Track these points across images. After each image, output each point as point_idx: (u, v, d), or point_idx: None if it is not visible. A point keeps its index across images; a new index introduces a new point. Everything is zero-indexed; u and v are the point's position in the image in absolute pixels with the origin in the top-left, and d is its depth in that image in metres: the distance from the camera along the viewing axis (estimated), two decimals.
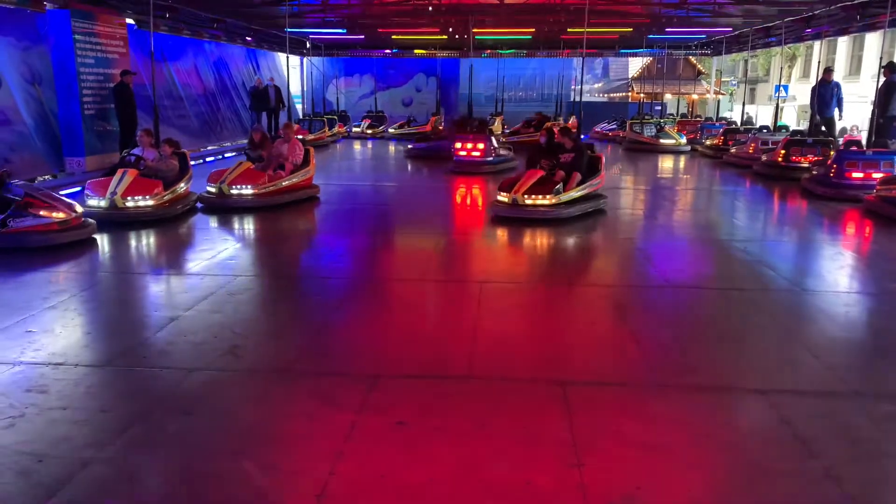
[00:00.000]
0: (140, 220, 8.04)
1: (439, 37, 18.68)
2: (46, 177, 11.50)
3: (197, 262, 6.55)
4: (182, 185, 8.90)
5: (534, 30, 18.96)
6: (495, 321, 4.98)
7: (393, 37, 22.99)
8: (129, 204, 8.05)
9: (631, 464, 3.01)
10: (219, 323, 4.80)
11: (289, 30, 14.87)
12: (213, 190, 9.21)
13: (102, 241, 7.30)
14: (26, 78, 11.90)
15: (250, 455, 3.05)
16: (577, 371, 4.02)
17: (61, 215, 6.91)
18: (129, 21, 14.29)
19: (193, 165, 14.24)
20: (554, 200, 8.31)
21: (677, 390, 3.76)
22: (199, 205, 9.16)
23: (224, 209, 9.02)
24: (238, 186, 9.09)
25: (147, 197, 8.16)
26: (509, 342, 4.57)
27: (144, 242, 7.57)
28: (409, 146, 16.87)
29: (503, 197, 8.47)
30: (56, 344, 4.35)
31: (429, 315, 5.39)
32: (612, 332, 4.81)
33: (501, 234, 8.08)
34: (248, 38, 20.68)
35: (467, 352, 4.32)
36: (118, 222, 7.90)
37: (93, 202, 8.02)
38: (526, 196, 8.29)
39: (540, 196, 8.28)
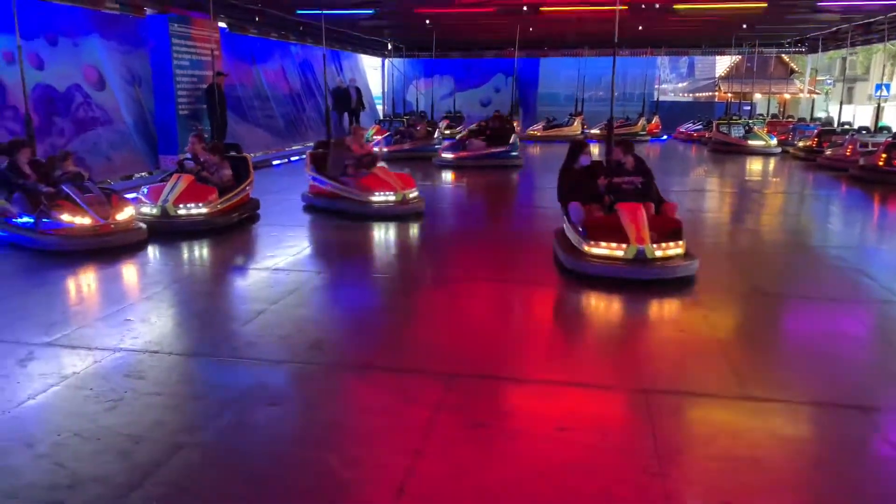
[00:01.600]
0: (194, 229, 7.63)
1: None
2: (143, 174, 12.14)
3: (280, 258, 6.75)
4: (240, 191, 8.38)
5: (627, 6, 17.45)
6: (575, 325, 4.92)
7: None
8: (182, 212, 7.68)
9: (717, 477, 2.91)
10: (303, 317, 4.94)
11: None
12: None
13: (175, 241, 7.54)
14: (127, 80, 12.61)
15: (333, 447, 3.13)
16: (661, 380, 3.92)
17: (87, 221, 6.75)
18: (222, 25, 14.91)
19: (277, 165, 14.90)
20: (681, 248, 5.90)
21: (767, 403, 3.61)
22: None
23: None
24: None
25: (200, 204, 7.75)
26: (590, 347, 4.51)
27: (215, 243, 7.84)
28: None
29: (612, 249, 5.77)
30: (152, 333, 4.58)
31: (505, 316, 5.38)
32: (699, 341, 4.66)
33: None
34: (332, 40, 21.17)
35: (546, 355, 4.28)
36: (170, 231, 7.52)
37: (146, 209, 7.71)
38: (656, 246, 5.75)
39: (672, 244, 5.83)
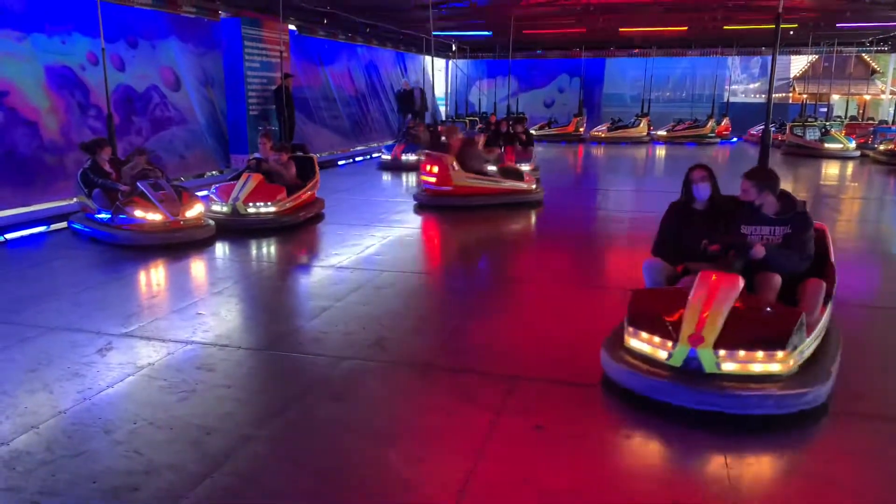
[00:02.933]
0: (262, 228, 7.85)
1: (576, 30, 18.04)
2: (214, 172, 12.54)
3: (345, 256, 6.85)
4: (307, 191, 8.60)
5: (686, 28, 17.99)
6: None
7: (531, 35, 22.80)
8: (251, 210, 7.92)
9: (790, 492, 2.81)
10: (366, 315, 5.00)
11: (435, 33, 15.18)
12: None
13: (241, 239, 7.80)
14: (200, 81, 13.05)
15: (395, 445, 3.15)
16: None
17: (158, 217, 7.07)
18: (291, 27, 15.26)
19: (342, 165, 15.14)
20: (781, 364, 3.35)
21: (847, 418, 3.46)
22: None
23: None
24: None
25: (269, 203, 7.97)
26: None
27: (282, 241, 8.02)
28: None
29: (654, 347, 3.55)
30: (222, 326, 4.73)
31: (567, 320, 5.31)
32: None
33: None
34: (398, 43, 21.42)
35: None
36: (239, 229, 7.74)
37: (216, 207, 7.99)
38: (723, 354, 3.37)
39: (761, 354, 3.35)
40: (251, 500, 2.74)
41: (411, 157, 13.98)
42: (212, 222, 7.53)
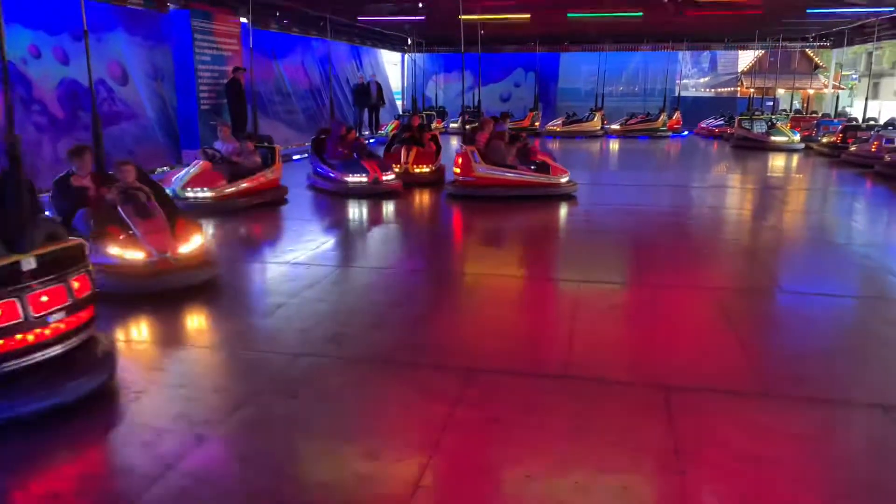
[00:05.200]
0: (200, 211, 7.93)
1: (522, 16, 18.06)
2: (165, 168, 12.26)
3: (301, 252, 6.79)
4: (258, 178, 9.06)
5: (642, 13, 17.91)
6: (593, 321, 4.90)
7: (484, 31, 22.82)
8: (189, 194, 8.32)
9: (736, 475, 2.89)
10: (323, 311, 4.97)
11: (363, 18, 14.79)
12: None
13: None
14: (150, 75, 12.74)
15: (352, 441, 3.15)
16: (680, 376, 3.89)
17: (138, 256, 5.28)
18: (243, 20, 14.99)
19: (297, 160, 14.95)
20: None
21: (788, 401, 3.58)
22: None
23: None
24: None
25: (206, 189, 8.44)
26: (607, 343, 4.49)
27: (236, 238, 7.93)
28: None
29: None
30: (172, 325, 4.64)
31: (524, 312, 5.37)
32: (717, 338, 4.62)
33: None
34: (353, 36, 21.25)
35: (563, 350, 4.27)
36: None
37: None
38: None
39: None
40: (205, 502, 2.71)
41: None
42: (215, 259, 5.86)
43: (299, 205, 9.46)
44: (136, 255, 5.29)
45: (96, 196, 5.83)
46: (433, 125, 21.19)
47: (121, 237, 5.35)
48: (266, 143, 9.81)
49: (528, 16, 17.43)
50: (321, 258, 6.56)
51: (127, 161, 6.07)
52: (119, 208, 5.54)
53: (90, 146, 6.19)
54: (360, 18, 18.22)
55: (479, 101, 15.16)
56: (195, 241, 5.60)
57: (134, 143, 11.73)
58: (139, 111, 12.08)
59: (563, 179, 9.91)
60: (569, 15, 17.40)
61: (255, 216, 8.51)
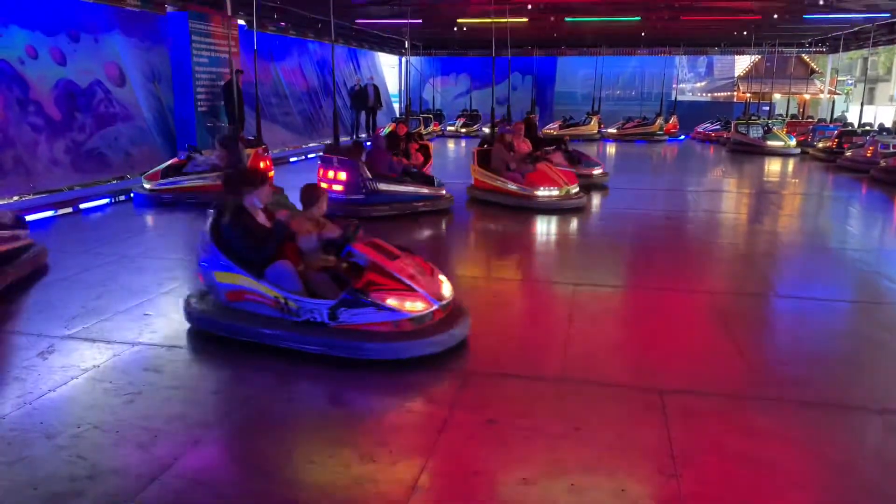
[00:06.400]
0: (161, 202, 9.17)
1: (520, 19, 18.11)
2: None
3: None
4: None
5: (640, 17, 18.01)
6: (589, 324, 4.90)
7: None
8: (147, 185, 9.37)
9: (732, 478, 2.90)
10: None
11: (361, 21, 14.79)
12: None
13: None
14: (147, 76, 12.72)
15: (349, 443, 3.14)
16: (676, 380, 3.90)
17: (418, 306, 4.11)
18: (241, 22, 14.99)
19: (294, 162, 14.97)
20: None
21: (783, 405, 3.59)
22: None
23: None
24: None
25: (149, 181, 9.40)
26: (604, 346, 4.49)
27: None
28: None
29: None
30: (170, 327, 4.63)
31: (521, 315, 5.38)
32: (713, 342, 4.63)
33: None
34: (350, 38, 21.26)
35: (560, 353, 4.28)
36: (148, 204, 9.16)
37: (147, 185, 9.36)
38: None
39: None
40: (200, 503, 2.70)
41: None
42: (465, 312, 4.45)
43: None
44: (414, 304, 4.13)
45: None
46: (430, 128, 21.24)
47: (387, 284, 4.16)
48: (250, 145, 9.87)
49: (526, 19, 17.50)
50: None
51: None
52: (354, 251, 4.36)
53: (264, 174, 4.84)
54: (357, 21, 18.26)
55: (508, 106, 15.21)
56: (447, 284, 4.49)
57: (130, 144, 11.71)
58: (136, 112, 12.06)
59: (554, 194, 9.11)
60: (566, 20, 17.47)
61: None
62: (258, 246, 4.27)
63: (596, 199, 10.38)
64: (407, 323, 4.04)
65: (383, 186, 8.45)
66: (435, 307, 4.16)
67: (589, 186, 10.59)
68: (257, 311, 4.25)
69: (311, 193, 4.69)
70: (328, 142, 10.85)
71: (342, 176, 8.36)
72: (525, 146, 10.28)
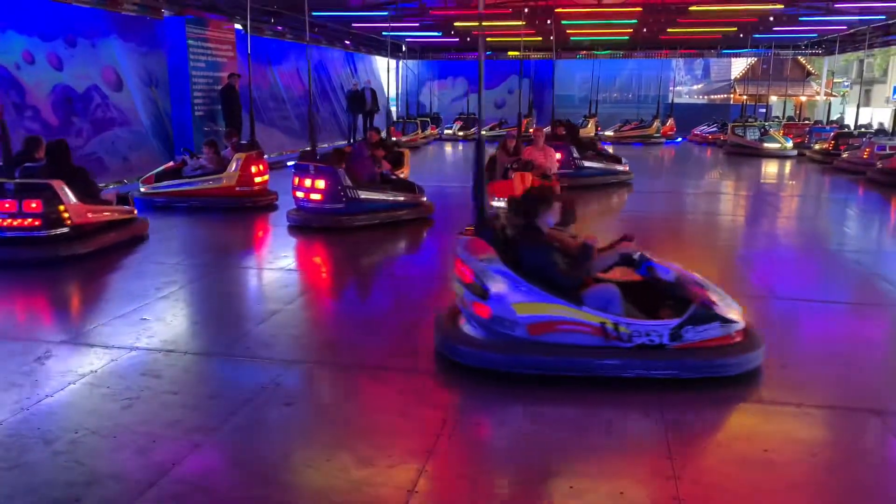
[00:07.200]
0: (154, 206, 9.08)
1: (533, 38, 18.44)
2: None
3: (293, 258, 6.78)
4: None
5: (631, 31, 18.45)
6: None
7: (487, 39, 23.07)
8: (143, 189, 9.44)
9: (730, 479, 2.90)
10: (317, 317, 4.96)
11: (386, 33, 15.17)
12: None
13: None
14: (144, 81, 12.73)
15: (347, 447, 3.14)
16: (675, 381, 3.89)
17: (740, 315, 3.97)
18: (237, 26, 15.00)
19: (291, 166, 14.95)
20: None
21: (781, 406, 3.59)
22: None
23: None
24: None
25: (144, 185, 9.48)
26: None
27: (230, 244, 7.90)
28: None
29: None
30: (168, 332, 4.63)
31: None
32: None
33: None
34: (347, 42, 21.29)
35: None
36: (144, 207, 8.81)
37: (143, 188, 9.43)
38: None
39: None
40: None
41: None
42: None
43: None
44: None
45: None
46: (427, 131, 21.25)
47: None
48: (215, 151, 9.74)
49: (523, 22, 17.59)
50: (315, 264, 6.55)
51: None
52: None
53: None
54: (354, 25, 18.32)
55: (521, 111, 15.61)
56: None
57: (128, 148, 11.72)
58: (133, 117, 12.06)
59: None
60: (563, 22, 17.57)
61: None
62: (571, 271, 3.86)
63: (593, 202, 10.39)
64: (738, 334, 3.89)
65: (364, 195, 8.09)
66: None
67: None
68: (572, 341, 3.77)
69: (569, 208, 4.26)
70: (325, 145, 10.82)
71: (320, 184, 7.92)
72: (541, 156, 9.55)
